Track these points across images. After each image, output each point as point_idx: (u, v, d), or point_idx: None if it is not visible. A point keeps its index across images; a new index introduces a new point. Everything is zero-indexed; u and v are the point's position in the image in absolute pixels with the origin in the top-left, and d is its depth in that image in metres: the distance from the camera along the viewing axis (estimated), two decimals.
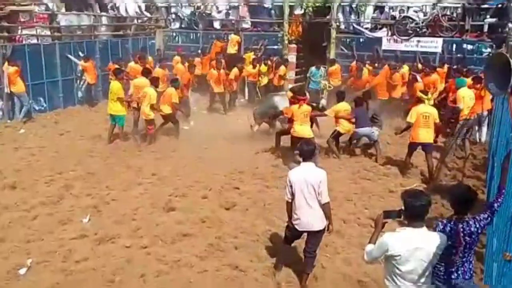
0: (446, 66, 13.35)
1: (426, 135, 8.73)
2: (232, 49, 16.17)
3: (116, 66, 13.19)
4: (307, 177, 5.01)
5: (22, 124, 12.26)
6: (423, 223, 3.57)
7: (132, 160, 9.75)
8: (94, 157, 9.86)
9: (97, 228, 6.69)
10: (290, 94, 10.73)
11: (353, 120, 9.83)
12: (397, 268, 3.53)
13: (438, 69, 13.11)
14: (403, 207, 3.58)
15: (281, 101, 11.09)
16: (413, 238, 3.49)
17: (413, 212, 3.53)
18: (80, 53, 14.63)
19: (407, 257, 3.47)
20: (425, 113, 8.71)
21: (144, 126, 10.82)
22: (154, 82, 10.87)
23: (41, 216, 7.03)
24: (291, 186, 5.10)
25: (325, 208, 5.11)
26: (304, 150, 5.20)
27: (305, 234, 5.32)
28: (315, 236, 5.22)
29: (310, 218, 5.10)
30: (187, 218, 7.04)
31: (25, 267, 5.69)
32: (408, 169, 9.15)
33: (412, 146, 8.98)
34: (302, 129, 9.20)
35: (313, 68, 14.75)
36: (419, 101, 9.10)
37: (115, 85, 10.60)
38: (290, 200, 5.18)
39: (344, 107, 9.95)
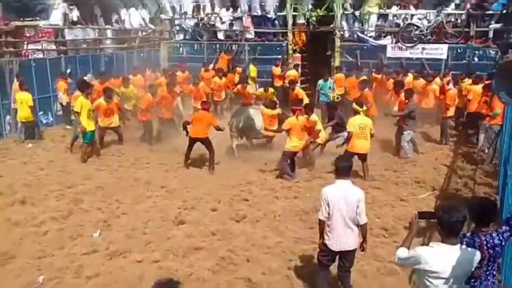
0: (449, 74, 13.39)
1: (362, 145, 8.99)
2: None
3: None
4: (347, 195, 4.78)
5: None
6: (458, 239, 3.50)
7: (140, 172, 9.73)
8: (102, 170, 9.84)
9: (108, 242, 6.65)
10: (263, 108, 10.81)
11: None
12: (430, 283, 3.45)
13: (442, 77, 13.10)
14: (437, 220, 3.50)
15: (256, 114, 10.96)
16: (449, 255, 3.40)
17: (449, 228, 3.44)
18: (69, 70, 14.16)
19: (441, 273, 3.39)
20: (361, 124, 8.98)
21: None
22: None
23: (51, 231, 7.00)
24: (327, 205, 4.81)
25: (363, 229, 4.93)
26: (342, 166, 4.92)
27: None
28: (350, 255, 5.00)
29: (346, 238, 4.85)
30: (197, 231, 7.00)
31: (37, 284, 5.65)
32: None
33: (347, 154, 8.81)
34: (297, 145, 9.13)
35: (321, 81, 14.11)
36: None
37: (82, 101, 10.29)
38: (325, 219, 4.88)
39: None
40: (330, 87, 14.11)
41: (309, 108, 9.76)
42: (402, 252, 3.60)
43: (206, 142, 9.92)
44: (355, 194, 4.81)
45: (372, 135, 9.17)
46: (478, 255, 3.48)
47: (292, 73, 15.09)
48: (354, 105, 9.28)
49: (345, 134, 9.53)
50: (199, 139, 9.83)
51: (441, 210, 3.52)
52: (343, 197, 4.76)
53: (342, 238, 4.84)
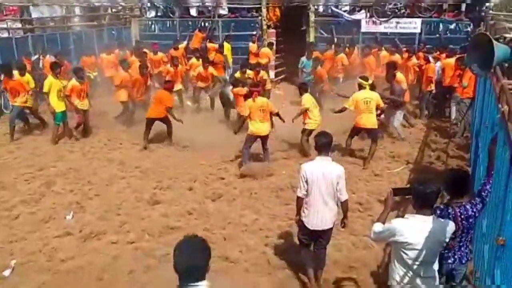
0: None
1: (368, 120, 8.66)
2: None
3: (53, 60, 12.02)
4: (326, 172, 4.68)
5: None
6: (432, 210, 3.53)
7: (113, 153, 9.56)
8: (74, 152, 9.63)
9: (82, 225, 6.55)
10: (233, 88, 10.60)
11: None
12: (406, 254, 3.49)
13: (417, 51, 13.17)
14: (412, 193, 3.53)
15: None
16: (423, 226, 3.43)
17: (423, 199, 3.46)
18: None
19: (416, 244, 3.43)
20: (366, 98, 8.61)
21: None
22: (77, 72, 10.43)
23: (23, 214, 6.86)
24: (306, 181, 4.72)
25: (344, 205, 4.86)
26: (322, 142, 4.79)
27: None
28: (327, 233, 4.96)
29: (323, 216, 4.78)
30: (173, 211, 6.96)
31: (9, 268, 5.55)
32: (349, 150, 9.13)
33: (355, 130, 8.90)
34: (260, 127, 8.54)
35: (303, 59, 13.47)
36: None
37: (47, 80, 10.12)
38: (304, 196, 4.80)
39: (310, 99, 9.28)
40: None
41: (303, 88, 9.38)
42: (377, 227, 3.63)
43: (166, 120, 9.89)
44: (334, 170, 4.71)
45: (380, 110, 8.91)
46: (451, 226, 3.53)
47: (266, 50, 14.89)
48: (359, 80, 8.92)
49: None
50: (157, 119, 9.79)
51: (416, 183, 3.55)
52: (322, 174, 4.68)
53: (320, 216, 4.78)
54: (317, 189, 4.71)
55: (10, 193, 7.61)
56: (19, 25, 14.19)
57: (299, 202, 4.89)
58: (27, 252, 5.87)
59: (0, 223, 6.61)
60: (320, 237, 4.99)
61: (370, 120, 8.67)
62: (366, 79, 8.97)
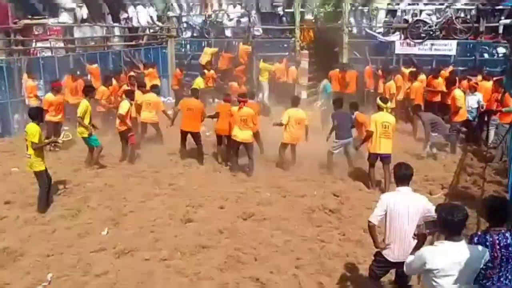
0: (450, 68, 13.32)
1: (386, 146, 8.33)
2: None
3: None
4: (411, 204, 4.55)
5: None
6: (461, 236, 3.48)
7: (148, 170, 9.73)
8: (111, 168, 9.85)
9: (116, 240, 6.68)
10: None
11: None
12: (436, 282, 3.43)
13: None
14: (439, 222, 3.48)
15: None
16: (453, 252, 3.39)
17: (451, 228, 3.43)
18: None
19: (446, 271, 3.38)
20: (385, 122, 8.27)
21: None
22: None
23: (60, 229, 7.05)
24: (385, 211, 4.60)
25: (423, 237, 4.63)
26: (403, 174, 4.70)
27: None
28: None
29: (406, 248, 4.55)
30: (205, 230, 7.02)
31: (46, 282, 5.70)
32: (373, 181, 8.79)
33: (372, 157, 8.59)
34: (242, 134, 9.22)
35: (325, 82, 13.84)
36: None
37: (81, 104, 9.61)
38: (377, 224, 4.68)
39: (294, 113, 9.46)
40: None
41: (294, 101, 9.79)
42: (409, 258, 3.61)
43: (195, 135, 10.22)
44: (422, 203, 4.58)
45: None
46: (487, 253, 3.45)
47: (292, 69, 15.14)
48: (378, 101, 8.60)
49: (344, 141, 9.36)
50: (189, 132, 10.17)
51: (442, 212, 3.51)
52: (407, 206, 4.55)
53: (403, 248, 4.59)
54: (400, 221, 4.58)
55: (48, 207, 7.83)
56: (62, 45, 14.74)
57: (371, 228, 4.76)
58: (64, 267, 6.02)
59: (38, 237, 6.80)
60: (399, 271, 4.83)
61: (387, 146, 8.37)
62: (385, 101, 8.64)
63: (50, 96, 10.85)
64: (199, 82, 14.28)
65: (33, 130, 7.42)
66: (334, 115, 9.63)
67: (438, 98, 12.32)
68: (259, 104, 11.69)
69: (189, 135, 10.21)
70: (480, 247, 3.51)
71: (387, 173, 8.29)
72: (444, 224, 3.45)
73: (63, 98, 11.19)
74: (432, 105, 12.12)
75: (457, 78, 12.09)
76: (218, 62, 16.29)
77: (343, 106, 9.86)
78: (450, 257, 3.36)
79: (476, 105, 11.02)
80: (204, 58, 16.18)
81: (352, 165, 9.57)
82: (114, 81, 12.72)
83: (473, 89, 11.28)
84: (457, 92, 10.93)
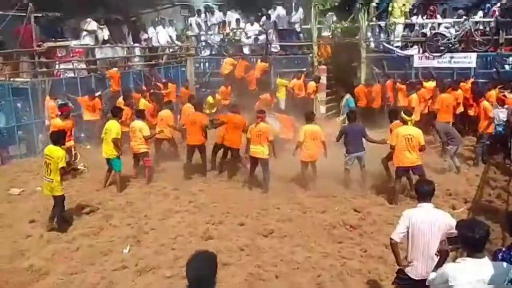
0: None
1: (412, 158, 8.31)
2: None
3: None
4: (434, 220, 4.49)
5: None
6: (484, 253, 3.42)
7: (168, 187, 9.81)
8: (131, 186, 9.97)
9: (138, 258, 6.73)
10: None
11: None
12: None
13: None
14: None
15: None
16: (476, 269, 3.33)
17: (473, 244, 3.37)
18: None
19: None
20: (408, 135, 8.26)
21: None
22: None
23: (82, 247, 7.15)
24: (408, 228, 4.55)
25: (446, 254, 4.42)
26: (425, 190, 4.66)
27: None
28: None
29: (429, 265, 4.43)
30: (225, 247, 7.02)
31: None
32: (397, 196, 8.67)
33: (400, 171, 8.53)
34: (256, 149, 9.30)
35: (348, 96, 14.28)
36: None
37: (113, 125, 9.52)
38: (399, 241, 4.63)
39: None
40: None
41: (309, 117, 9.56)
42: (432, 275, 3.55)
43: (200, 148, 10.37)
44: (445, 219, 4.50)
45: (421, 148, 8.42)
46: (509, 269, 3.38)
47: (312, 85, 15.15)
48: (402, 114, 8.57)
49: (355, 155, 9.27)
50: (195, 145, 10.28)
51: (463, 228, 3.46)
52: (430, 222, 4.49)
53: (426, 265, 4.52)
54: (423, 238, 4.51)
55: (71, 225, 7.96)
56: (84, 66, 15.10)
57: (394, 246, 4.71)
58: (87, 285, 6.09)
59: (62, 255, 6.90)
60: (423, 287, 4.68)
61: (413, 158, 8.33)
62: (409, 114, 8.64)
63: (58, 122, 10.36)
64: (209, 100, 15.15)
65: (60, 154, 7.49)
66: (345, 129, 9.61)
67: (460, 109, 12.30)
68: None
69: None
70: (504, 264, 3.43)
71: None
72: (465, 241, 3.38)
73: (71, 123, 10.82)
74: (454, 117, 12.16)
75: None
76: (235, 70, 16.46)
77: (357, 119, 9.93)
78: (473, 274, 3.30)
79: (505, 118, 10.84)
80: (225, 69, 16.53)
81: (366, 179, 9.47)
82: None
83: (501, 102, 11.12)
84: (487, 104, 10.77)
